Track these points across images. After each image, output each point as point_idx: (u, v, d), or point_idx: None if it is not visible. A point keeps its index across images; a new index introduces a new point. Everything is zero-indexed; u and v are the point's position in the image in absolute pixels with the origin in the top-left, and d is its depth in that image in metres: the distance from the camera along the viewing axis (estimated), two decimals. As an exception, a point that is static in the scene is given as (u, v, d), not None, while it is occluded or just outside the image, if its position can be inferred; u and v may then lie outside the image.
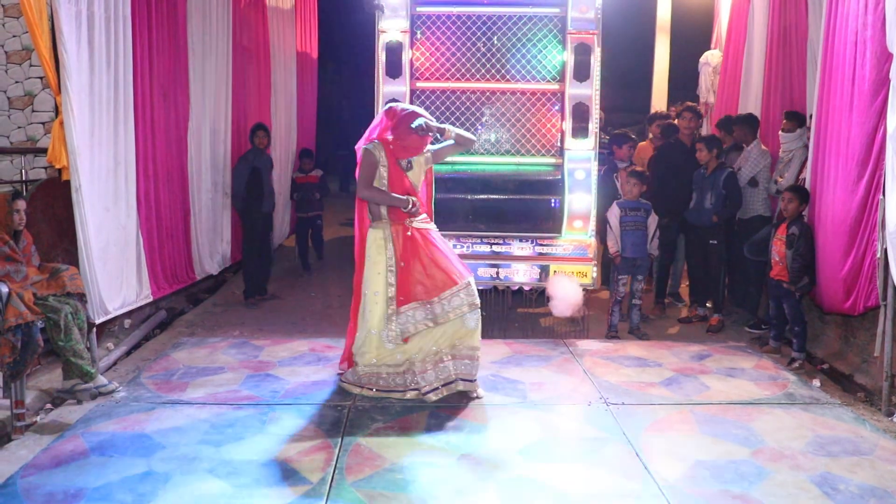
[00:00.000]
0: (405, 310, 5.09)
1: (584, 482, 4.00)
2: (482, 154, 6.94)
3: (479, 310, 5.19)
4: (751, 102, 8.19)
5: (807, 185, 6.30)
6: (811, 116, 6.44)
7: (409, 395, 5.15)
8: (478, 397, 5.17)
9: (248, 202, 8.05)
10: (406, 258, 5.12)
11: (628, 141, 7.98)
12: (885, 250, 4.96)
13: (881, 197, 5.01)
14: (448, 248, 5.39)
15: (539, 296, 6.77)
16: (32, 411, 4.86)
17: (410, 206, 5.12)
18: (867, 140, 5.28)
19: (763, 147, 7.23)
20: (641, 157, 8.31)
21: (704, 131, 9.44)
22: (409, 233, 5.14)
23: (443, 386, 5.14)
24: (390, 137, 5.19)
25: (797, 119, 6.92)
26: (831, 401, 5.24)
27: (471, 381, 5.18)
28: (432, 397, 5.10)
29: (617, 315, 6.97)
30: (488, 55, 6.87)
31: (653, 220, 6.99)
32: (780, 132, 7.05)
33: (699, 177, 7.22)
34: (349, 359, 5.40)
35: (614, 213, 6.95)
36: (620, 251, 6.89)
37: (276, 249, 10.13)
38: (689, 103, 8.43)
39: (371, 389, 5.19)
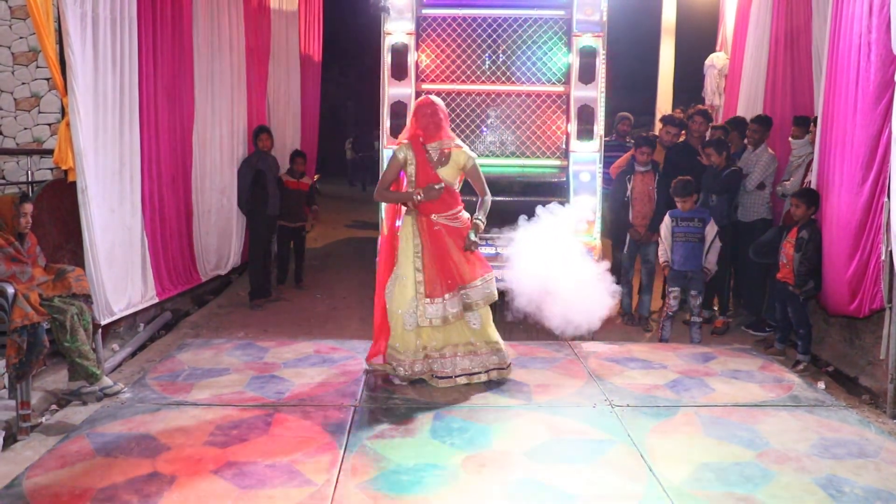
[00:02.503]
0: (435, 301, 5.27)
1: (589, 484, 4.00)
2: (487, 156, 6.95)
3: (486, 310, 5.40)
4: (753, 105, 8.19)
5: (813, 188, 6.30)
6: (816, 119, 6.44)
7: (417, 376, 5.39)
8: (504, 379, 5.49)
9: (253, 205, 8.06)
10: (431, 252, 5.29)
11: (643, 145, 7.37)
12: (891, 252, 4.95)
13: (886, 199, 5.01)
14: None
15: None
16: (38, 412, 4.88)
17: (416, 195, 5.25)
18: (872, 143, 5.28)
19: (771, 151, 7.23)
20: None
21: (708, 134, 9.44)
22: (435, 227, 5.30)
23: (457, 377, 5.35)
24: (415, 130, 5.35)
25: (805, 124, 6.92)
26: (836, 403, 5.23)
27: (503, 367, 5.48)
28: (441, 384, 5.33)
29: (668, 329, 6.85)
30: (494, 57, 6.88)
31: (711, 230, 6.74)
32: (790, 139, 7.04)
33: (709, 179, 7.18)
34: (376, 346, 5.60)
35: (666, 223, 6.82)
36: (670, 263, 6.77)
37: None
38: (700, 107, 8.39)
39: (399, 371, 5.42)
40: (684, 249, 6.70)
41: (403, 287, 5.32)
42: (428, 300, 5.27)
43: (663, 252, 6.81)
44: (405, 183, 5.44)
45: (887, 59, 5.04)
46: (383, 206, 6.45)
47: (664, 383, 5.56)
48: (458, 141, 5.46)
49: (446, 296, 5.27)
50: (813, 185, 6.29)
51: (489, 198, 5.46)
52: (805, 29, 7.45)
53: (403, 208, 5.45)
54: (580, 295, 5.97)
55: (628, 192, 7.28)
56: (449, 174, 5.34)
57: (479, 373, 5.40)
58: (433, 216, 5.31)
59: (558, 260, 5.91)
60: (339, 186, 22.67)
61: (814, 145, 6.40)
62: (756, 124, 7.35)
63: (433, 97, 5.45)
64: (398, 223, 5.52)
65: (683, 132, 8.08)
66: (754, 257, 6.80)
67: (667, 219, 6.82)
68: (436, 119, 5.28)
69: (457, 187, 5.42)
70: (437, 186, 5.24)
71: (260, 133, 8.20)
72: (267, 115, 9.67)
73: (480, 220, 5.40)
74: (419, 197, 5.23)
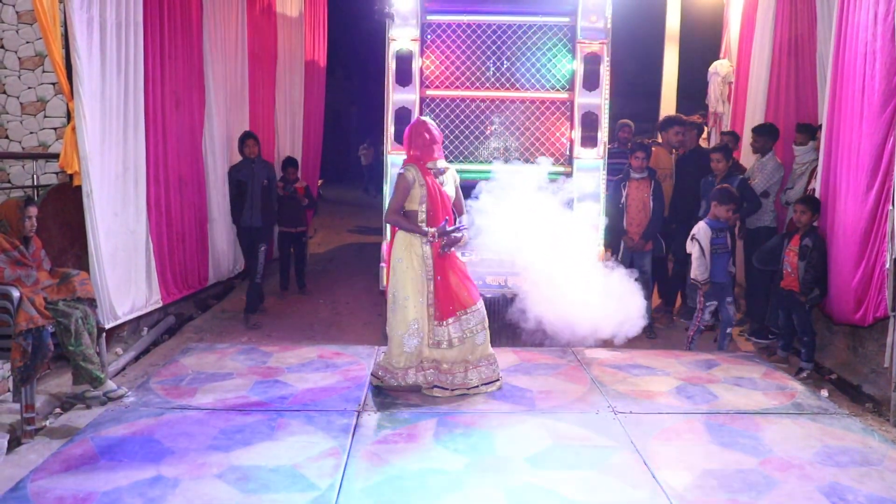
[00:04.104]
0: (445, 323, 5.31)
1: (592, 490, 4.00)
2: (491, 162, 6.95)
3: (487, 328, 5.47)
4: (758, 112, 8.20)
5: (816, 195, 6.30)
6: (821, 127, 6.45)
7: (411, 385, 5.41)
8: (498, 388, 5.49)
9: (234, 216, 7.88)
10: (440, 272, 5.32)
11: (638, 150, 7.36)
12: (895, 260, 4.95)
13: (890, 207, 5.01)
14: (465, 266, 5.58)
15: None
16: (42, 415, 4.90)
17: (430, 237, 5.29)
18: (877, 151, 5.29)
19: (778, 160, 7.23)
20: (657, 164, 7.85)
21: (713, 141, 9.45)
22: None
23: (454, 390, 5.34)
24: (412, 152, 5.35)
25: (809, 131, 6.92)
26: (839, 411, 5.23)
27: (495, 380, 5.48)
28: (437, 393, 5.33)
29: (697, 343, 6.65)
30: (498, 64, 6.90)
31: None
32: (793, 145, 7.04)
33: (709, 186, 7.15)
34: None
35: (706, 235, 6.47)
36: (710, 278, 6.47)
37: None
38: (671, 116, 8.26)
39: (387, 381, 5.41)
40: (723, 261, 6.50)
41: (405, 309, 5.32)
42: (436, 323, 5.32)
43: (705, 269, 6.46)
44: (406, 203, 5.36)
45: (892, 67, 5.05)
46: None
47: (667, 390, 5.56)
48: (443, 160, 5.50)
49: (450, 320, 5.31)
50: (817, 193, 6.30)
51: (467, 212, 5.61)
52: (809, 37, 7.46)
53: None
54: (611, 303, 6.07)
55: (623, 199, 7.27)
56: (451, 189, 5.44)
57: (476, 386, 5.39)
58: (439, 239, 5.32)
59: (569, 266, 5.95)
60: (344, 191, 22.69)
61: (818, 152, 6.41)
62: (755, 134, 7.35)
63: (424, 118, 5.53)
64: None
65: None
66: (757, 265, 6.79)
67: (707, 231, 6.48)
68: (433, 137, 5.32)
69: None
70: (453, 233, 5.27)
71: (246, 139, 7.83)
72: (274, 121, 9.69)
73: (466, 231, 5.44)
74: (433, 238, 5.26)
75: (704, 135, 8.74)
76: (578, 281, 5.99)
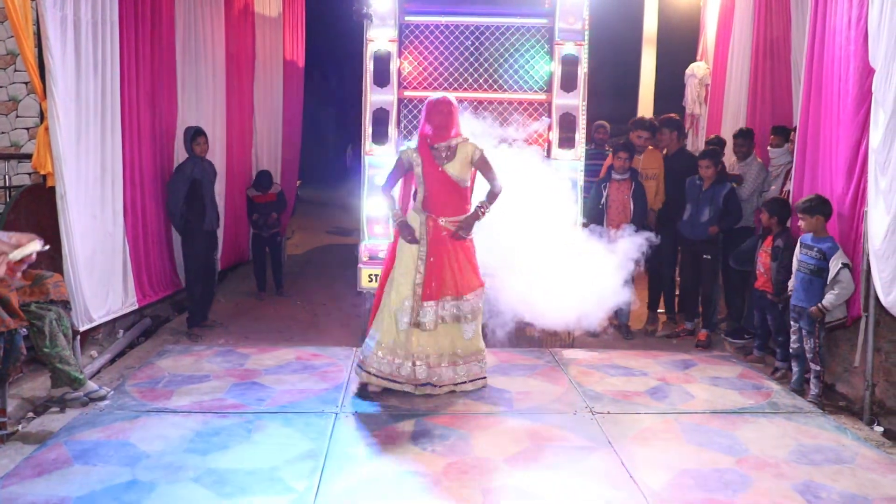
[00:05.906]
0: (427, 304, 5.27)
1: (570, 491, 4.02)
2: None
3: (478, 321, 5.48)
4: (738, 115, 8.26)
5: (790, 198, 6.35)
6: (795, 129, 6.50)
7: (406, 388, 5.35)
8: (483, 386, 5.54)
9: (188, 219, 7.00)
10: (434, 253, 5.29)
11: (621, 150, 7.25)
12: (868, 262, 5.02)
13: (865, 209, 5.07)
14: (472, 254, 5.50)
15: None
16: (15, 420, 4.82)
17: (395, 220, 5.34)
18: (851, 153, 5.34)
19: (759, 160, 7.27)
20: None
21: (690, 143, 9.50)
22: (443, 233, 5.31)
23: (440, 387, 5.35)
24: (428, 130, 5.32)
25: (784, 134, 6.98)
26: (814, 410, 5.29)
27: (482, 378, 5.53)
28: (420, 391, 5.34)
29: (799, 376, 5.77)
30: (476, 65, 6.90)
31: (834, 265, 5.38)
32: (768, 147, 7.09)
33: (695, 189, 7.08)
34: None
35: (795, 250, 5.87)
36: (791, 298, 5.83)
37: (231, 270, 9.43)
38: (639, 119, 8.17)
39: (374, 376, 5.34)
40: (798, 281, 5.70)
41: (399, 286, 5.31)
42: (423, 303, 5.27)
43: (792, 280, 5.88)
44: (415, 183, 5.44)
45: (865, 70, 5.11)
46: (366, 214, 6.50)
47: (645, 390, 5.59)
48: (466, 134, 5.43)
49: (441, 300, 5.28)
50: (791, 195, 6.34)
51: (499, 188, 5.40)
52: (784, 40, 7.53)
53: (411, 203, 5.46)
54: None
55: (603, 200, 7.27)
56: (456, 169, 5.32)
57: (464, 382, 5.41)
58: (441, 220, 5.32)
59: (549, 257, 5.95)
60: (322, 192, 22.60)
61: (793, 155, 6.46)
62: (739, 139, 7.34)
63: (450, 96, 5.46)
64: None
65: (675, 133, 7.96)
66: (734, 265, 6.83)
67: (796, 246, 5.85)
68: (450, 120, 5.28)
69: (468, 184, 5.42)
70: (401, 221, 5.33)
71: (197, 136, 7.02)
72: (253, 122, 9.62)
73: (483, 209, 5.37)
74: (394, 224, 5.37)
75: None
76: (556, 281, 5.98)
